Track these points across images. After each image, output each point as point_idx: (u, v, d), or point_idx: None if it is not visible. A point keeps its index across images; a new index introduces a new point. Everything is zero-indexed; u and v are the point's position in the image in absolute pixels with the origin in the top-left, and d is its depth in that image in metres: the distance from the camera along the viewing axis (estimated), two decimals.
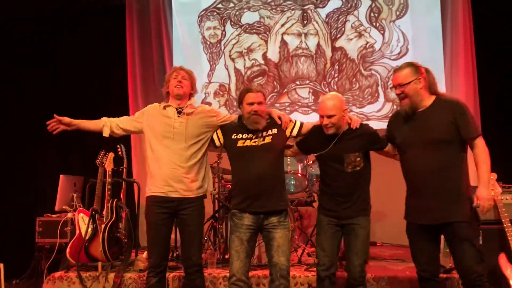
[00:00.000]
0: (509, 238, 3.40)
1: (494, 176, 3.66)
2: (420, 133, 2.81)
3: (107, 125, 3.29)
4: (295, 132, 3.19)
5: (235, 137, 3.13)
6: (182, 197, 3.10)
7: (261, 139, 3.08)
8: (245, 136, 3.10)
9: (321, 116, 2.99)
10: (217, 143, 3.24)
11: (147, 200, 3.19)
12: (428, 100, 2.85)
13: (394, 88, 2.88)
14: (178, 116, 3.16)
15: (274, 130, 3.12)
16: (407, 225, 2.94)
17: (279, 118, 3.17)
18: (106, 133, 3.29)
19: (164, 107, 3.21)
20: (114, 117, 3.36)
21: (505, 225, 3.45)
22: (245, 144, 3.08)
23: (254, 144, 3.06)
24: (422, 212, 2.80)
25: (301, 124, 3.23)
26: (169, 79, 3.25)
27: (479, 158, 2.81)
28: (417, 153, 2.81)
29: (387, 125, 3.10)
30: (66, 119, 3.19)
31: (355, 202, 2.99)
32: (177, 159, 3.10)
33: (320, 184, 3.24)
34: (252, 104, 3.06)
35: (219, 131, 3.24)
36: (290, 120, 3.22)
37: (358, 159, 2.99)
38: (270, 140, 3.08)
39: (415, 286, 3.11)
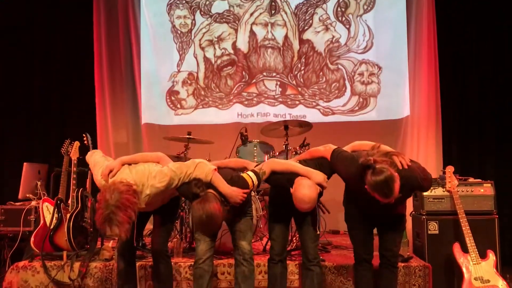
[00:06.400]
0: (463, 228, 3.56)
1: (451, 169, 3.83)
2: (380, 214, 3.01)
3: None
4: (256, 184, 3.02)
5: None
6: None
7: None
8: None
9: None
10: None
11: None
12: None
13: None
14: None
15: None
16: (347, 210, 3.20)
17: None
18: None
19: None
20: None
21: (460, 216, 3.61)
22: None
23: None
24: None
25: (258, 176, 3.01)
26: None
27: None
28: (370, 213, 3.04)
29: (340, 176, 3.05)
30: None
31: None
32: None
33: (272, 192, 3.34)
34: None
35: None
36: (242, 190, 2.95)
37: None
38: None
39: (375, 274, 3.25)
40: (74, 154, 4.05)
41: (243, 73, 5.94)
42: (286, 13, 5.93)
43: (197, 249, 3.12)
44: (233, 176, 3.02)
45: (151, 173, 2.89)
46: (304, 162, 3.07)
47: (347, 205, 3.24)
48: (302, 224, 3.19)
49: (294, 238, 4.00)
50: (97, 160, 3.17)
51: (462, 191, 3.87)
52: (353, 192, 3.07)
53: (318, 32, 5.88)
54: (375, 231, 3.22)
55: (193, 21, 6.03)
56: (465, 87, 5.60)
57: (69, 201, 3.91)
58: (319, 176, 2.94)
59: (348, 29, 5.84)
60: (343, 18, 5.84)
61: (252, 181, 2.98)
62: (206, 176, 2.91)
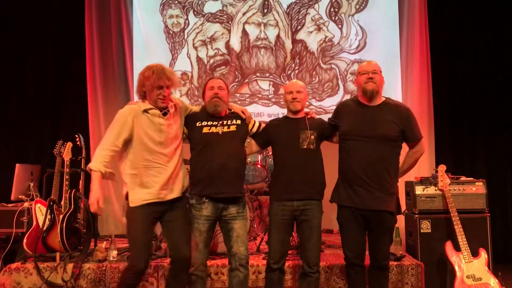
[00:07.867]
0: (456, 226, 3.59)
1: (443, 167, 3.86)
2: (367, 126, 3.04)
3: None
4: (254, 129, 3.32)
5: (200, 124, 3.15)
6: (172, 199, 3.02)
7: (226, 126, 3.14)
8: (209, 123, 3.14)
9: (290, 92, 3.23)
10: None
11: (135, 208, 2.96)
12: (379, 99, 3.13)
13: (367, 73, 3.08)
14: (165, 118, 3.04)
15: (238, 121, 3.21)
16: (339, 210, 3.17)
17: (243, 112, 3.27)
18: None
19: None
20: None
21: (452, 214, 3.65)
22: (210, 130, 3.11)
23: (218, 131, 3.12)
24: (355, 197, 3.03)
25: (259, 124, 3.37)
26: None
27: (409, 158, 3.17)
28: (360, 144, 3.03)
29: (335, 112, 3.32)
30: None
31: (311, 181, 3.16)
32: (167, 163, 3.00)
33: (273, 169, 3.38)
34: (212, 88, 3.15)
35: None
36: (251, 117, 3.35)
37: (313, 137, 3.14)
38: (235, 129, 3.15)
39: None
40: (66, 155, 4.03)
41: (236, 73, 5.94)
42: (278, 12, 5.92)
43: None
44: None
45: None
46: None
47: (337, 195, 3.17)
48: (305, 229, 3.14)
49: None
50: None
51: (454, 190, 3.91)
52: (350, 121, 3.13)
53: (311, 32, 5.88)
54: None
55: (186, 21, 6.00)
56: (458, 86, 5.67)
57: (62, 202, 3.90)
58: None
59: (341, 29, 5.85)
60: (336, 18, 5.85)
61: (254, 121, 3.33)
62: None
